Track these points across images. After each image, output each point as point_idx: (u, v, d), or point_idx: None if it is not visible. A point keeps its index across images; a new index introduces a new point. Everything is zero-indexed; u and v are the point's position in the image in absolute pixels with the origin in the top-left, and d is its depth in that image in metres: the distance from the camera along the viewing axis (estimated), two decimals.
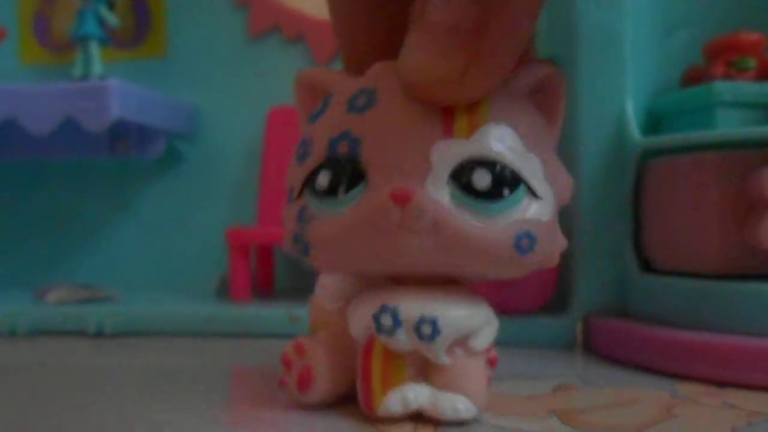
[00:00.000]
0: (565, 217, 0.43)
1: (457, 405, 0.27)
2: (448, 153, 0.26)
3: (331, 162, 0.27)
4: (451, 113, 0.26)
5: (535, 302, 0.46)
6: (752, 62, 0.42)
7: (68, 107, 0.55)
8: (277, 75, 0.67)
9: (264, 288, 0.62)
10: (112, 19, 0.65)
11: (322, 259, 0.28)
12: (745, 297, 0.37)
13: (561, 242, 0.29)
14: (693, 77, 0.45)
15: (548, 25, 0.49)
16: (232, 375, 0.40)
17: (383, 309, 0.27)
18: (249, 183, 0.66)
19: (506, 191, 0.26)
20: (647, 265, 0.43)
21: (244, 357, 0.44)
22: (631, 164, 0.43)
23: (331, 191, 0.27)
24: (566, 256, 0.46)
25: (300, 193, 0.28)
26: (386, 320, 0.27)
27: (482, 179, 0.26)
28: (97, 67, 0.63)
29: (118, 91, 0.55)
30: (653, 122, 0.46)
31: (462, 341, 0.28)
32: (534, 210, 0.26)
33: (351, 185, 0.27)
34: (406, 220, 0.25)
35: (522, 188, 0.26)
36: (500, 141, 0.26)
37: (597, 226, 0.45)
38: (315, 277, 0.53)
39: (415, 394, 0.28)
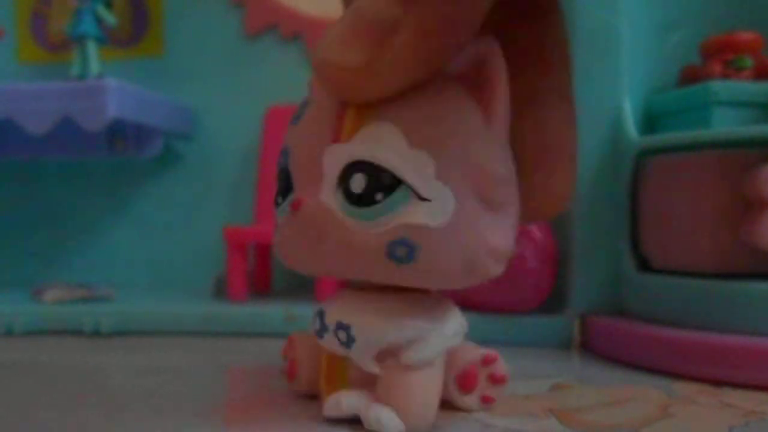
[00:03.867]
0: (562, 216, 0.44)
1: (381, 418, 0.26)
2: (334, 158, 0.25)
3: (279, 173, 0.28)
4: (342, 115, 0.25)
5: (532, 301, 0.46)
6: (749, 61, 0.42)
7: (66, 106, 0.55)
8: (275, 74, 0.67)
9: (261, 287, 0.62)
10: (110, 18, 0.65)
11: (281, 261, 0.29)
12: (741, 296, 0.37)
13: (494, 246, 0.26)
14: (690, 76, 0.45)
15: None
16: (228, 374, 0.40)
17: (318, 312, 0.29)
18: (246, 182, 0.66)
19: (379, 195, 0.24)
20: (644, 264, 0.43)
21: (241, 356, 0.43)
22: (628, 163, 0.43)
23: (276, 200, 0.28)
24: (563, 256, 0.46)
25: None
26: (316, 323, 0.29)
27: (358, 183, 0.25)
28: (94, 67, 0.63)
29: (116, 90, 0.55)
30: (650, 121, 0.46)
31: (395, 352, 0.27)
32: (417, 215, 0.24)
33: (285, 194, 0.27)
34: (299, 228, 0.26)
35: (402, 190, 0.24)
36: (376, 140, 0.25)
37: (594, 225, 0.45)
38: (311, 277, 0.53)
39: (348, 401, 0.28)
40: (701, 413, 0.30)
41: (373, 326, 0.27)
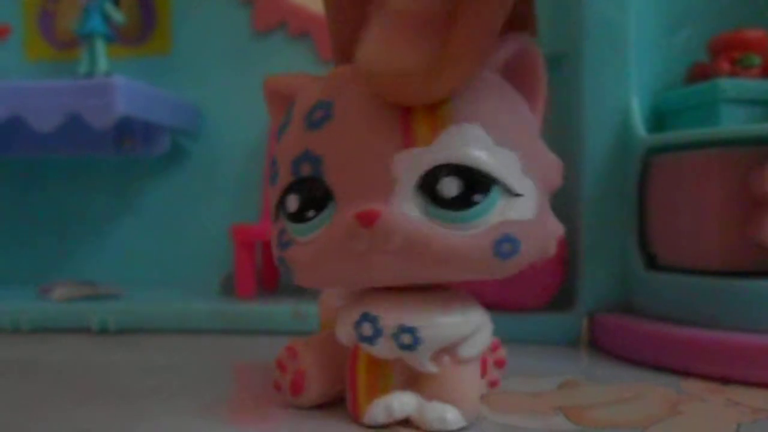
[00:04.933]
0: (570, 213, 0.44)
1: (444, 415, 0.26)
2: (411, 163, 0.24)
3: (297, 184, 0.26)
4: (409, 118, 0.24)
5: (540, 299, 0.46)
6: (757, 59, 0.42)
7: (73, 104, 0.55)
8: (283, 71, 0.66)
9: (269, 285, 0.62)
10: (118, 15, 0.65)
11: (305, 281, 0.27)
12: (749, 294, 0.37)
13: (555, 229, 0.27)
14: (698, 74, 0.44)
15: (553, 21, 0.49)
16: (236, 372, 0.40)
17: (364, 317, 0.27)
18: (253, 179, 0.66)
19: (478, 196, 0.24)
20: (652, 262, 0.43)
21: (249, 354, 0.44)
22: (636, 161, 0.43)
23: (301, 214, 0.26)
24: (571, 253, 0.46)
25: (277, 216, 0.28)
26: (366, 329, 0.27)
27: (450, 187, 0.24)
28: (102, 64, 0.63)
29: (124, 88, 0.55)
30: (658, 119, 0.46)
31: (449, 349, 0.27)
32: (513, 210, 0.25)
33: (320, 207, 0.26)
34: (376, 242, 0.24)
35: (496, 189, 0.24)
36: (465, 142, 0.24)
37: (602, 223, 0.44)
38: None
39: (401, 403, 0.27)
40: (709, 411, 0.30)
41: (440, 326, 0.26)
